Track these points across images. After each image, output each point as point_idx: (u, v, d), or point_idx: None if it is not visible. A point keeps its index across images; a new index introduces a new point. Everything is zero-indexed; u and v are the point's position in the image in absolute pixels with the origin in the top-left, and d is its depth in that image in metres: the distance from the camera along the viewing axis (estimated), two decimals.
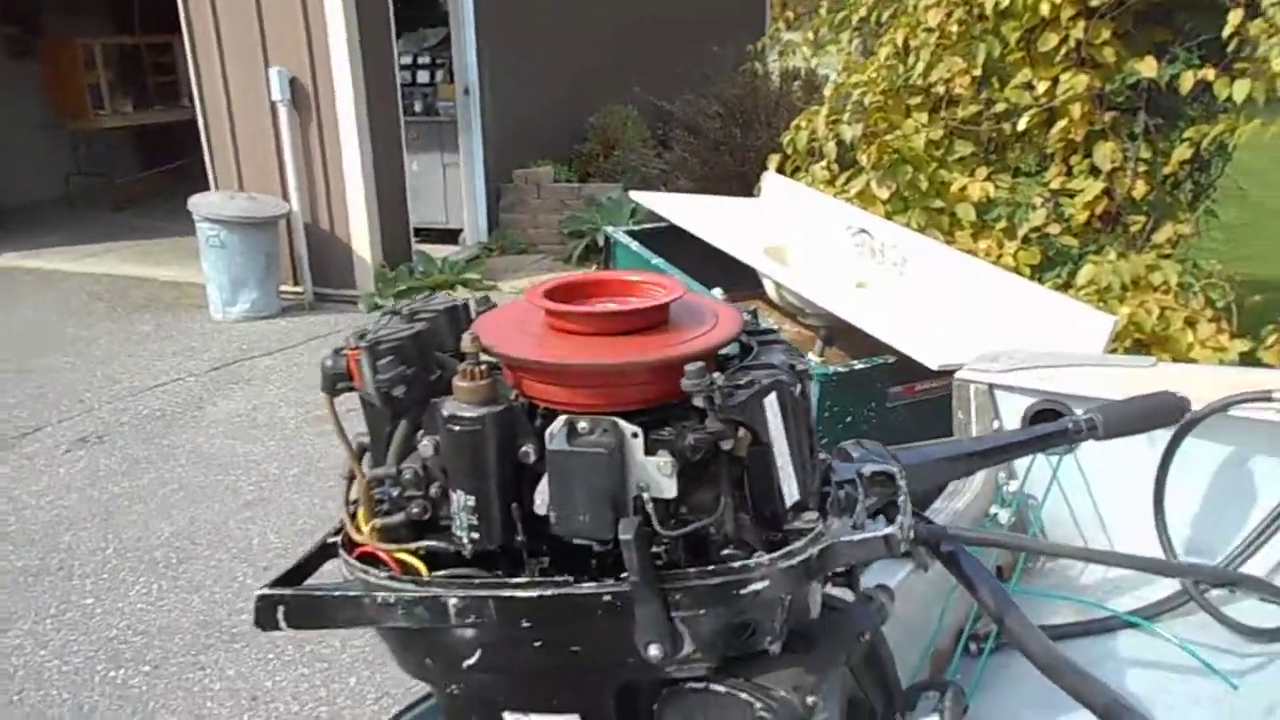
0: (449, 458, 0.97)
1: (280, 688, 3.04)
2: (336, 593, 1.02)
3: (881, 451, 1.20)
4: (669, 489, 0.93)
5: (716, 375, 0.91)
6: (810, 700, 0.99)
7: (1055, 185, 4.94)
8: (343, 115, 7.29)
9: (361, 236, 7.57)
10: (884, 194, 5.09)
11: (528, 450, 0.96)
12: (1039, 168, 5.16)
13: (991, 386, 1.50)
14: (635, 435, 0.93)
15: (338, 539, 1.13)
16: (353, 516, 1.08)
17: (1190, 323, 4.38)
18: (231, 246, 6.86)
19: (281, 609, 1.04)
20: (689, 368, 0.91)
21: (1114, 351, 3.18)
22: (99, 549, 3.90)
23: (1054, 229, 4.78)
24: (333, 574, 1.14)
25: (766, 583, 0.93)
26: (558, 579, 0.96)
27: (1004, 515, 1.46)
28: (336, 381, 1.02)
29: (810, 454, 0.99)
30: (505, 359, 0.97)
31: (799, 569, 0.94)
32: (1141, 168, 4.66)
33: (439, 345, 1.08)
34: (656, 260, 4.07)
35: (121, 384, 5.71)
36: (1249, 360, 4.26)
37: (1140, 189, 4.65)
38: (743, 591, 0.92)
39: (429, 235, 8.87)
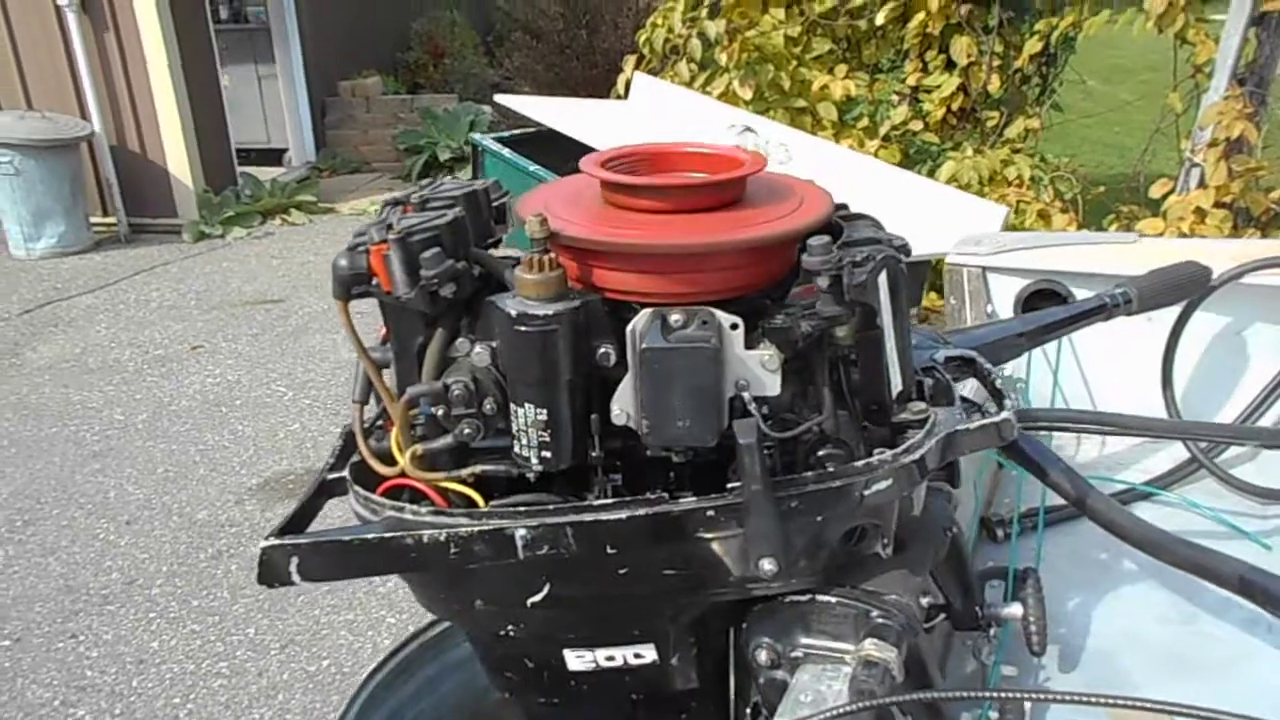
0: (514, 365, 0.82)
1: (170, 648, 2.78)
2: (369, 535, 0.86)
3: (935, 336, 1.13)
4: (774, 385, 0.82)
5: (835, 249, 0.80)
6: (925, 601, 0.92)
7: (912, 81, 5.01)
8: (142, 20, 6.53)
9: (178, 158, 6.88)
10: (747, 94, 5.02)
11: (607, 351, 0.82)
12: (895, 64, 5.22)
13: (984, 270, 1.46)
14: (735, 327, 0.80)
15: (341, 474, 0.96)
16: (369, 445, 0.92)
17: (1043, 215, 4.58)
18: (28, 173, 6.08)
19: (295, 560, 0.87)
20: (813, 243, 0.79)
21: None
22: None
23: (914, 125, 4.86)
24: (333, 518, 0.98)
25: (889, 482, 0.83)
26: (651, 497, 0.83)
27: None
28: (353, 285, 0.84)
29: (909, 339, 0.90)
30: (579, 243, 0.82)
31: (918, 464, 0.85)
32: (995, 62, 4.78)
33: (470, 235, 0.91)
34: (534, 167, 3.86)
35: None
36: None
37: (995, 84, 4.78)
38: (865, 493, 0.83)
39: (248, 156, 8.17)
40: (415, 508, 0.87)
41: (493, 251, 0.96)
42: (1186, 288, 1.24)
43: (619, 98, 5.32)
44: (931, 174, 4.78)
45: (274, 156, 8.64)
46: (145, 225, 6.84)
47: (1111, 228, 4.57)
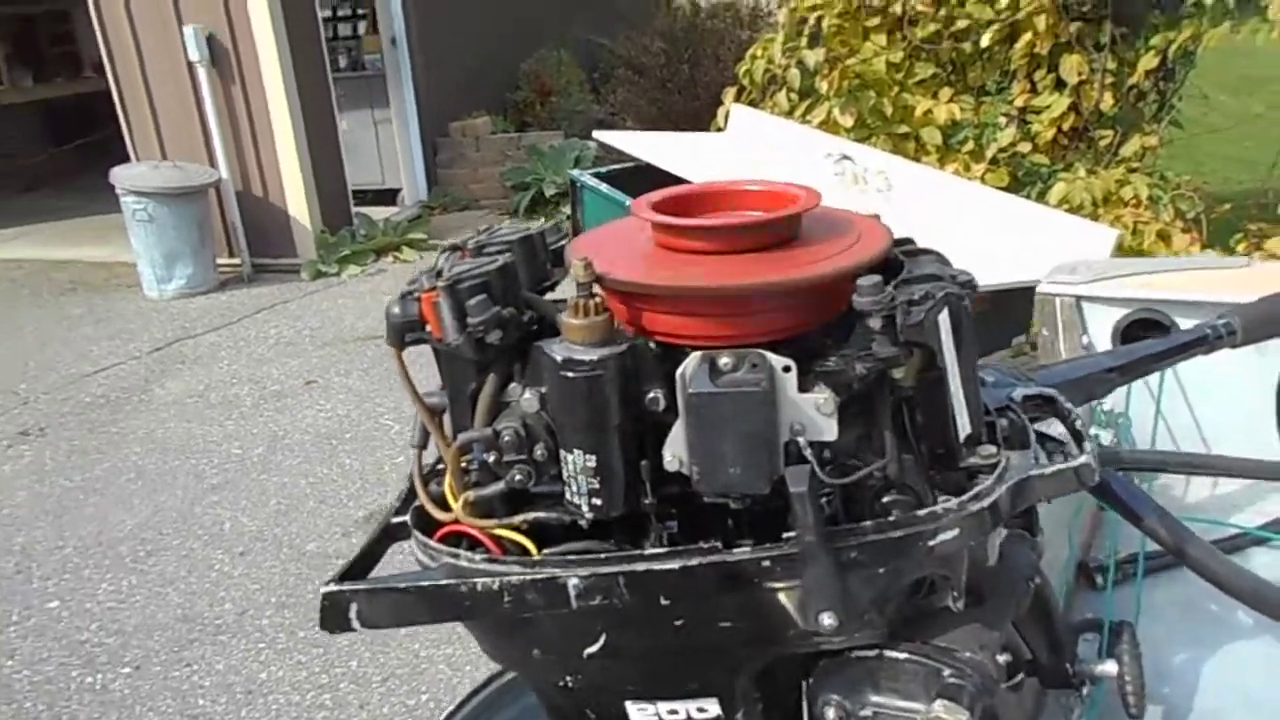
0: (561, 411, 0.80)
1: (277, 679, 2.86)
2: (424, 583, 0.85)
3: (1016, 373, 1.07)
4: (829, 430, 0.78)
5: (887, 288, 0.76)
6: (1001, 659, 0.86)
7: (1020, 103, 4.85)
8: (266, 73, 6.90)
9: (298, 201, 7.22)
10: (848, 121, 4.95)
11: (656, 396, 0.80)
12: (1002, 86, 5.07)
13: (1079, 299, 1.38)
14: (788, 369, 0.77)
15: (404, 519, 0.97)
16: (427, 491, 0.92)
17: (1163, 236, 4.35)
18: (160, 219, 6.47)
19: (354, 607, 0.87)
20: (863, 282, 0.76)
21: None
22: (56, 548, 3.65)
23: (1023, 147, 4.70)
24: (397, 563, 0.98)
25: (956, 531, 0.79)
26: (704, 546, 0.80)
27: (1105, 437, 1.35)
28: (406, 332, 0.85)
29: (977, 380, 0.85)
30: (625, 286, 0.80)
31: (989, 512, 0.80)
32: (1108, 79, 4.59)
33: (521, 280, 0.91)
34: (630, 201, 3.88)
35: (57, 372, 5.36)
36: None
37: (1108, 101, 4.59)
38: (931, 543, 0.78)
39: (364, 197, 8.51)
40: (471, 555, 0.86)
41: (550, 296, 0.96)
42: None
43: (718, 130, 5.32)
44: (1041, 196, 4.61)
45: (388, 197, 8.97)
46: (267, 265, 7.18)
47: (1239, 247, 4.31)
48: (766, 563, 0.79)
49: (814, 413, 0.78)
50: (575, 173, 4.35)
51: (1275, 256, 3.91)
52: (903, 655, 0.83)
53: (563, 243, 1.00)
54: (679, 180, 4.15)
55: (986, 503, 0.80)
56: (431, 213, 8.69)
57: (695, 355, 0.78)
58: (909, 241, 0.94)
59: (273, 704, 2.71)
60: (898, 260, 0.88)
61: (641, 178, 4.20)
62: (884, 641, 0.84)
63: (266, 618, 3.16)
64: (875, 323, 0.75)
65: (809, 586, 0.79)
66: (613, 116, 8.85)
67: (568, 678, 0.91)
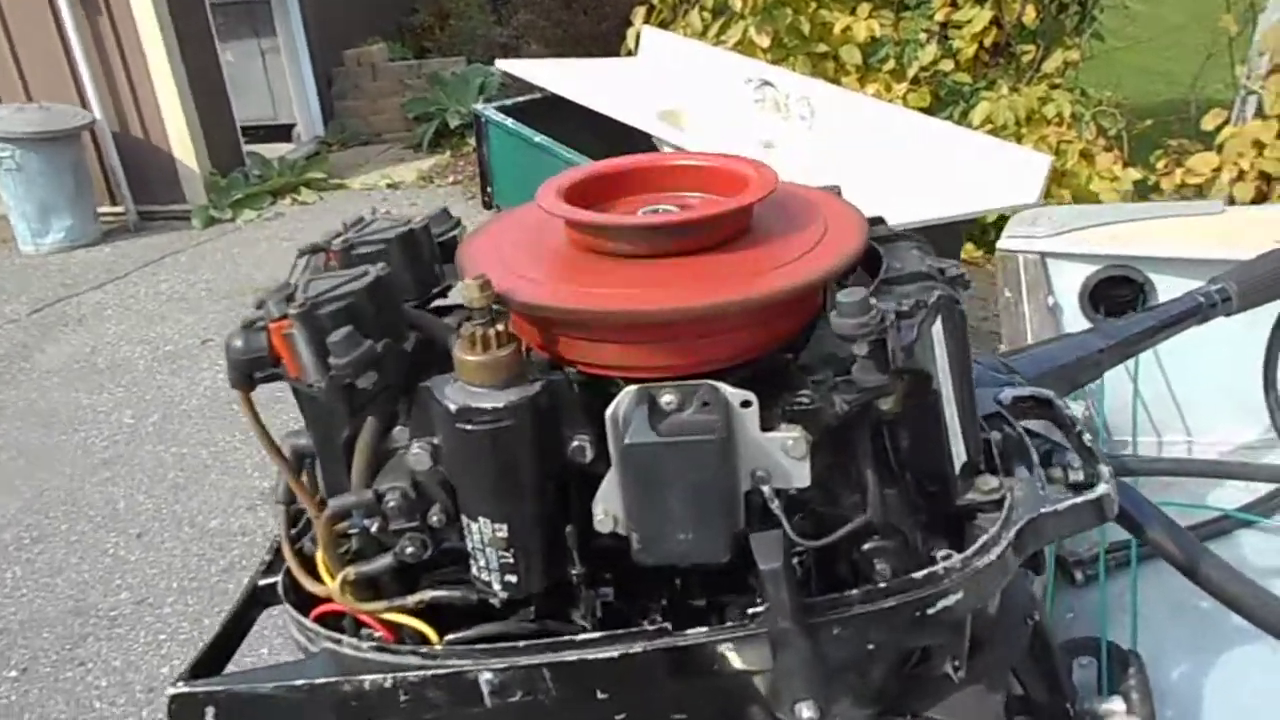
0: (461, 472, 0.62)
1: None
2: (298, 682, 0.68)
3: (996, 364, 0.92)
4: (801, 476, 0.62)
5: (875, 301, 0.59)
6: None
7: (941, 17, 4.70)
8: (135, 2, 6.31)
9: (182, 142, 6.70)
10: (764, 41, 4.75)
11: (581, 444, 0.63)
12: (922, 0, 4.90)
13: (1043, 256, 1.24)
14: (747, 404, 0.60)
15: (274, 581, 0.79)
16: (298, 554, 0.74)
17: (1086, 155, 4.29)
18: (30, 168, 5.93)
19: (211, 711, 0.69)
20: (845, 299, 0.58)
21: (1046, 198, 3.00)
22: None
23: (945, 65, 4.56)
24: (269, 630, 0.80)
25: (960, 595, 0.64)
26: (649, 628, 0.64)
27: (1076, 410, 1.22)
28: (254, 370, 0.65)
29: (973, 396, 0.69)
30: (536, 310, 0.62)
31: (997, 567, 0.65)
32: None
33: (400, 291, 0.72)
34: (539, 138, 3.63)
35: None
36: (1142, 189, 4.21)
37: (1030, 14, 4.46)
38: (931, 611, 0.63)
39: (256, 134, 7.95)
40: (356, 642, 0.69)
41: (440, 302, 0.77)
42: None
43: (629, 53, 5.05)
44: (965, 116, 4.49)
45: (282, 133, 8.44)
46: (154, 213, 6.69)
47: (1159, 164, 4.27)
48: (728, 647, 0.64)
49: (782, 457, 0.62)
50: (479, 107, 4.06)
51: (1195, 173, 3.87)
52: None
53: (454, 232, 0.80)
54: (591, 113, 3.90)
55: (994, 555, 0.65)
56: (329, 149, 8.20)
57: (630, 392, 0.61)
58: (878, 221, 0.77)
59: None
60: (873, 252, 0.71)
61: (550, 110, 3.94)
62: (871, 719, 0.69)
63: (168, 605, 2.94)
64: (862, 348, 0.59)
65: (783, 673, 0.63)
66: (516, 40, 8.42)
67: None
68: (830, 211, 0.69)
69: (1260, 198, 3.63)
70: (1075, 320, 1.25)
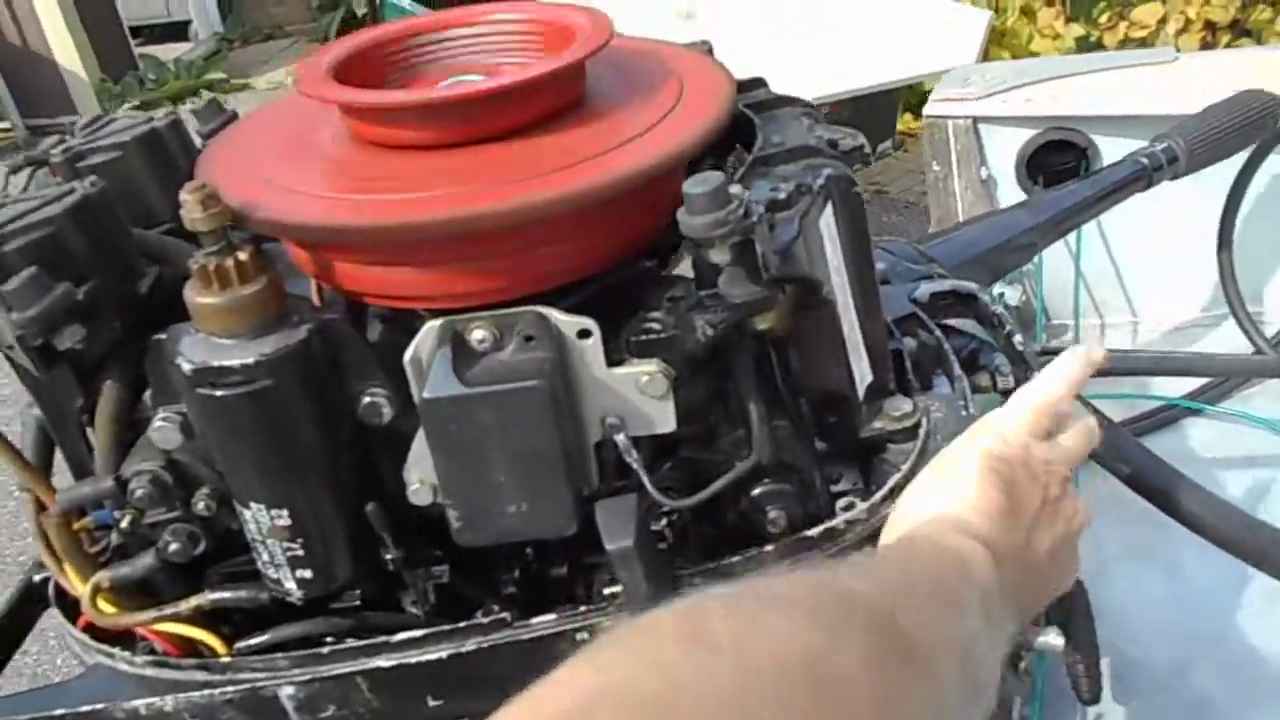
0: (215, 446, 0.48)
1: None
2: (58, 711, 0.54)
3: (911, 253, 0.79)
4: (664, 419, 0.49)
5: (736, 189, 0.45)
6: None
7: None
8: None
9: (64, 47, 6.21)
10: None
11: (376, 401, 0.48)
12: None
13: (975, 120, 1.09)
14: (586, 335, 0.46)
15: (45, 580, 0.65)
16: (57, 554, 0.59)
17: (1026, 12, 4.09)
18: None
19: None
20: (693, 189, 0.43)
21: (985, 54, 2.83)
22: None
23: None
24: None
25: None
26: (484, 621, 0.51)
27: (1011, 294, 1.10)
28: None
29: (877, 300, 0.56)
30: (292, 230, 0.47)
31: None
32: None
33: (143, 212, 0.56)
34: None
35: None
36: (1086, 46, 4.05)
37: None
38: None
39: (149, 34, 7.40)
40: (131, 656, 0.55)
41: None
42: (1249, 131, 0.89)
43: None
44: None
45: (177, 31, 7.86)
46: (44, 127, 6.21)
47: (1102, 18, 4.10)
48: (582, 635, 0.51)
49: (636, 397, 0.48)
50: None
51: (1139, 25, 3.72)
52: None
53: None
54: None
55: None
56: (230, 46, 7.67)
57: (431, 329, 0.47)
58: (758, 84, 0.62)
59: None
60: (744, 121, 0.56)
61: None
62: None
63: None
64: (720, 254, 0.44)
65: None
66: None
67: None
68: (686, 71, 0.53)
69: (1205, 49, 3.50)
70: (1012, 194, 1.12)
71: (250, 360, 0.44)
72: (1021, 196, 1.16)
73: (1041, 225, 0.82)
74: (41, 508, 0.59)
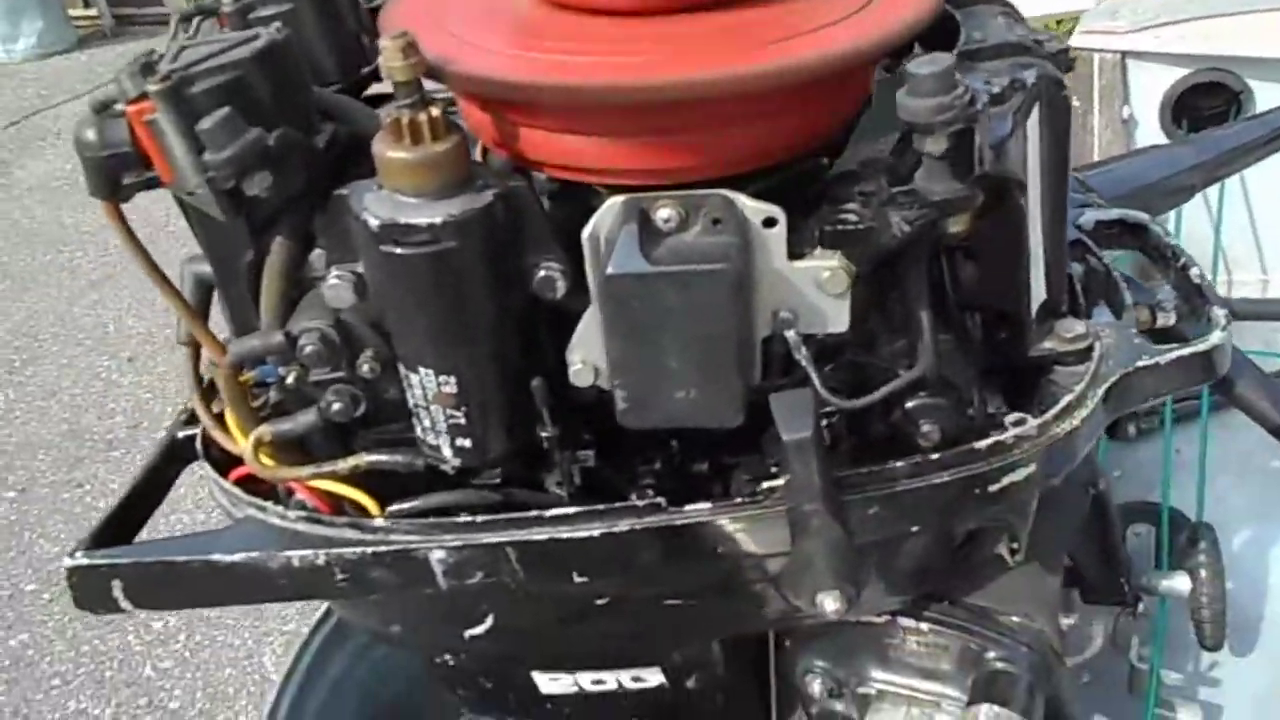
0: (390, 309, 0.48)
1: (177, 497, 2.62)
2: (215, 556, 0.56)
3: (1070, 180, 0.75)
4: (839, 319, 0.47)
5: (959, 77, 0.42)
6: (1066, 622, 0.61)
7: None
8: None
9: None
10: None
11: (550, 273, 0.48)
12: None
13: (1124, 55, 1.04)
14: (771, 224, 0.45)
15: (194, 433, 0.66)
16: (212, 408, 0.61)
17: None
18: None
19: (118, 585, 0.58)
20: (919, 68, 0.41)
21: None
22: None
23: None
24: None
25: (1032, 468, 0.50)
26: (639, 504, 0.51)
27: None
28: (119, 172, 0.50)
29: (1065, 217, 0.54)
30: (486, 86, 0.46)
31: (1082, 432, 0.51)
32: None
33: (313, 70, 0.55)
34: None
35: None
36: None
37: None
38: (992, 489, 0.50)
39: None
40: (283, 511, 0.56)
41: (375, 89, 0.60)
42: None
43: None
44: None
45: None
46: (131, 16, 6.28)
47: None
48: (737, 528, 0.51)
49: (813, 293, 0.47)
50: None
51: None
52: (926, 624, 0.58)
53: None
54: None
55: (1078, 419, 0.51)
56: None
57: (615, 204, 0.46)
58: None
59: (176, 524, 2.48)
60: (948, 17, 0.53)
61: None
62: (903, 607, 0.58)
63: (162, 429, 2.88)
64: (937, 143, 0.42)
65: (805, 561, 0.50)
66: None
67: (446, 656, 0.64)
68: None
69: None
70: (1152, 137, 1.07)
71: (437, 220, 0.44)
72: (1162, 139, 1.11)
73: (1205, 164, 0.78)
74: (199, 361, 0.61)
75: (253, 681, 2.18)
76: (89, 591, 0.59)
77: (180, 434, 0.68)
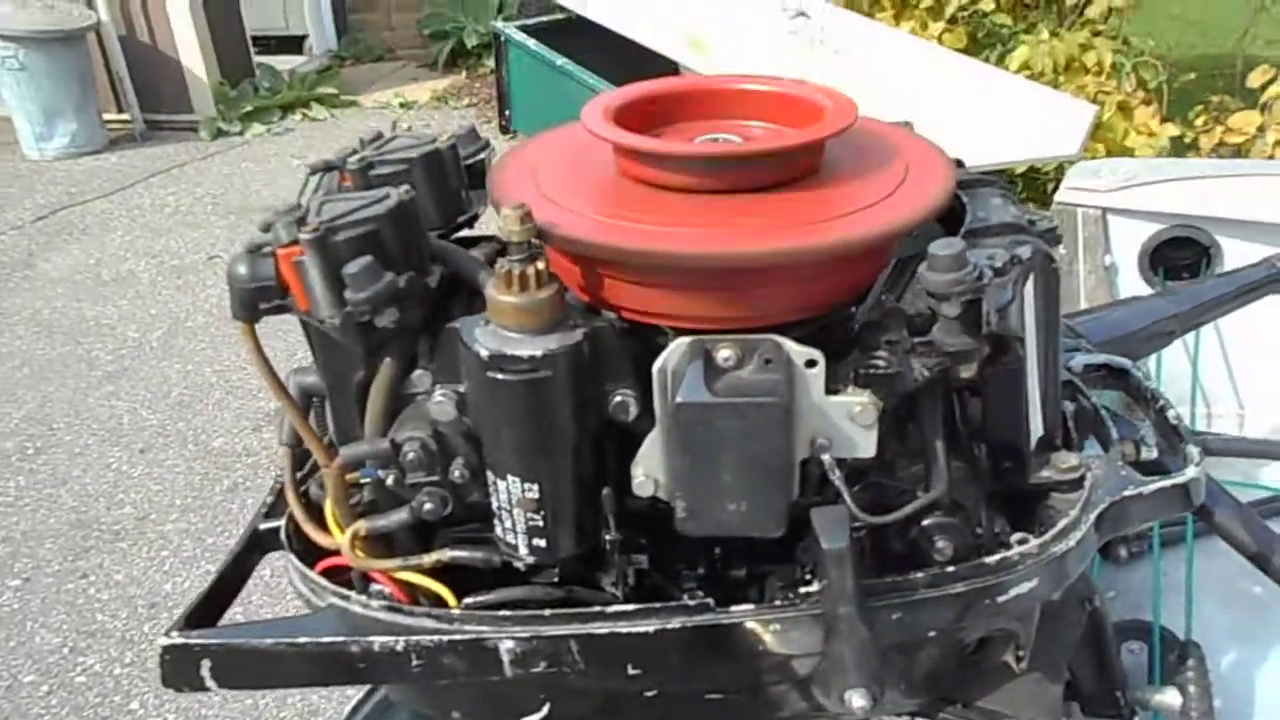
0: (491, 425, 0.56)
1: (183, 590, 2.64)
2: (301, 640, 0.62)
3: (1066, 328, 0.85)
4: (867, 446, 0.56)
5: (972, 256, 0.52)
6: None
7: None
8: None
9: (190, 48, 6.52)
10: None
11: (625, 400, 0.56)
12: None
13: (1105, 211, 1.15)
14: (812, 365, 0.54)
15: (276, 525, 0.73)
16: (304, 500, 0.68)
17: (1123, 108, 4.14)
18: (34, 68, 5.77)
19: (207, 665, 0.64)
20: (940, 250, 0.51)
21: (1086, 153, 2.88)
22: None
23: (985, 5, 4.39)
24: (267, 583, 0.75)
25: (1034, 582, 0.58)
26: (690, 603, 0.59)
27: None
28: (259, 300, 0.58)
29: (1058, 365, 0.63)
30: (581, 248, 0.55)
31: (1077, 552, 0.59)
32: None
33: (427, 217, 0.65)
34: (561, 61, 3.50)
35: None
36: (1181, 147, 4.07)
37: None
38: (1001, 599, 0.58)
39: (267, 45, 7.73)
40: (366, 600, 0.63)
41: (466, 233, 0.70)
42: None
43: None
44: (1002, 60, 4.33)
45: (293, 45, 8.20)
46: (161, 122, 6.54)
47: (1199, 121, 4.12)
48: (776, 628, 0.58)
49: (846, 424, 0.55)
50: (499, 26, 3.92)
51: (1237, 131, 3.73)
52: None
53: (482, 155, 0.73)
54: (616, 36, 3.76)
55: (1073, 540, 0.59)
56: (342, 64, 8.00)
57: (682, 344, 0.54)
58: (958, 164, 0.70)
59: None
60: (956, 201, 0.64)
61: (573, 31, 3.80)
62: (919, 708, 0.64)
63: (170, 522, 2.92)
64: (952, 309, 0.52)
65: (835, 659, 0.57)
66: None
67: None
68: (912, 151, 0.61)
69: None
70: (1131, 283, 1.18)
71: (538, 353, 0.53)
72: (1141, 286, 1.21)
73: (1183, 314, 0.88)
74: (299, 464, 0.68)
75: None
76: (178, 669, 0.65)
77: (261, 526, 0.75)
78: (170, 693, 2.47)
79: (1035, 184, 4.05)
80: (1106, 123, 4.08)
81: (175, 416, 3.43)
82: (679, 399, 0.53)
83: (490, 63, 5.41)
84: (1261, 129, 3.68)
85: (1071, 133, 2.71)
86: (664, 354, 0.54)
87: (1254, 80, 3.80)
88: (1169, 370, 1.23)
